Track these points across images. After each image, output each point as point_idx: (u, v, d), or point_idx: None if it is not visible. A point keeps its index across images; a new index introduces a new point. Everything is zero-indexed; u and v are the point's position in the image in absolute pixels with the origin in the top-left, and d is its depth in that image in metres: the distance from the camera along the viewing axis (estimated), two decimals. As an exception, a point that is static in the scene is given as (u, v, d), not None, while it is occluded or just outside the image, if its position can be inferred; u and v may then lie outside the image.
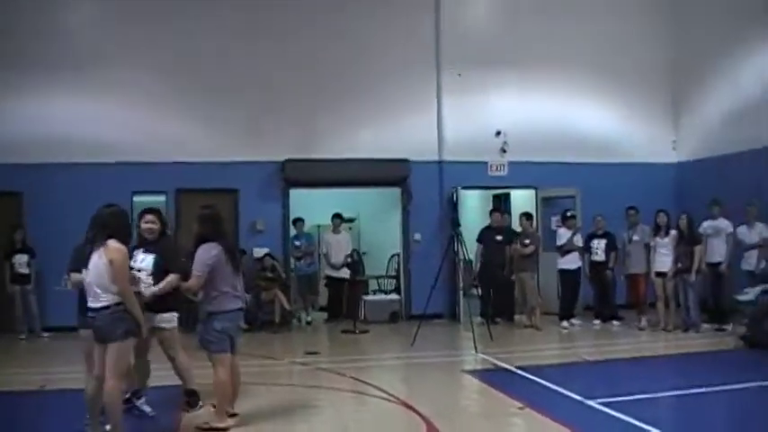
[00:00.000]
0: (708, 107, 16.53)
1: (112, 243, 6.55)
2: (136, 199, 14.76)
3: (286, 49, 15.81)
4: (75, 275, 7.14)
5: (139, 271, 7.39)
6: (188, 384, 8.00)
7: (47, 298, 14.39)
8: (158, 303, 7.55)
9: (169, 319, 7.80)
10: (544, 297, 14.94)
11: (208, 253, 7.27)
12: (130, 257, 7.08)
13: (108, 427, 6.59)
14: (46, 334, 14.14)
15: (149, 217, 7.96)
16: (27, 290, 14.26)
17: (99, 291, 6.47)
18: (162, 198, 15.15)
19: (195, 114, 15.51)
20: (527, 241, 14.61)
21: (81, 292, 7.21)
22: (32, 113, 14.84)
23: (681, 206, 15.17)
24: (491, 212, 15.61)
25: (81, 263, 7.04)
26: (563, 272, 14.56)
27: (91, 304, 6.53)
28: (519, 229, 15.19)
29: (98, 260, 6.49)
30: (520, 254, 14.61)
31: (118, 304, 6.48)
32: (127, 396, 7.51)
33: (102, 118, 15.06)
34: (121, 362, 6.59)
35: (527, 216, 15.07)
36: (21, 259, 14.25)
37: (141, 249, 7.71)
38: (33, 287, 14.31)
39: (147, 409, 7.77)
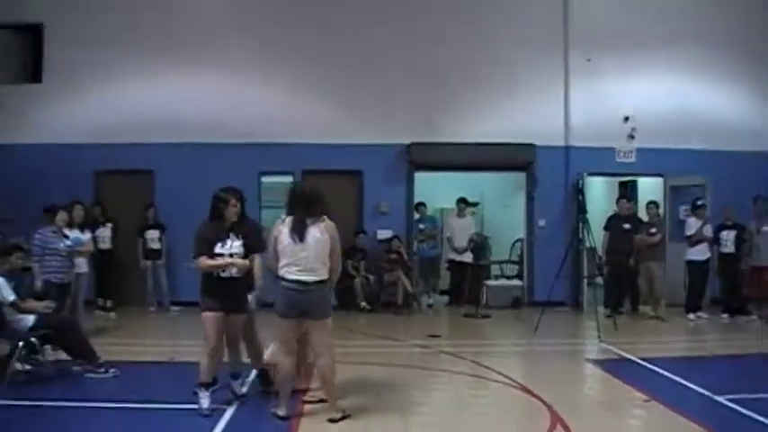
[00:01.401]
0: None
1: (329, 220, 6.98)
2: (263, 179, 15.20)
3: (413, 31, 15.81)
4: (203, 260, 7.22)
5: (231, 256, 7.30)
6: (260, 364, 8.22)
7: (175, 273, 14.90)
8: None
9: (251, 300, 7.88)
10: (670, 288, 14.55)
11: None
12: (220, 242, 7.29)
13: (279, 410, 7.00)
14: (174, 308, 14.61)
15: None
16: (158, 265, 14.79)
17: (319, 265, 6.85)
18: (289, 179, 15.42)
19: (322, 96, 15.71)
20: (653, 230, 14.28)
21: (208, 277, 7.31)
22: (163, 95, 15.40)
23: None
24: (618, 200, 15.29)
25: (209, 246, 7.20)
26: (691, 263, 14.15)
27: (306, 277, 6.82)
28: (645, 218, 14.89)
29: (320, 236, 6.86)
30: (646, 243, 14.30)
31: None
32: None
33: (229, 99, 15.41)
34: (329, 335, 7.09)
35: (654, 204, 14.74)
36: (153, 235, 14.78)
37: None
38: (164, 262, 14.83)
39: (242, 390, 7.84)
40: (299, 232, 6.83)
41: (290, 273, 6.85)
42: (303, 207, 6.94)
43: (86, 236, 11.51)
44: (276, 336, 7.21)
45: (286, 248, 6.87)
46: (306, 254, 6.81)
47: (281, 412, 7.00)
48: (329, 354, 7.03)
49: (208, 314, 7.22)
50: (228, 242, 7.25)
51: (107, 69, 15.36)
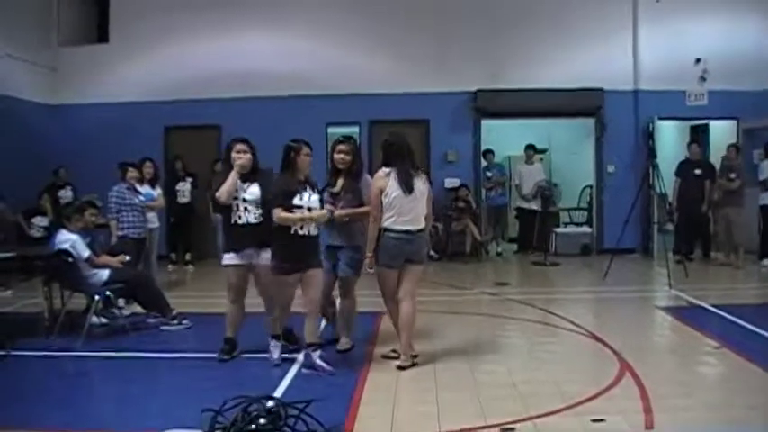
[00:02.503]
0: None
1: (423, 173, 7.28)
2: (330, 130, 15.24)
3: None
4: (280, 212, 6.83)
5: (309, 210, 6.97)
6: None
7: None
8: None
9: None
10: (744, 234, 14.26)
11: None
12: (297, 195, 6.98)
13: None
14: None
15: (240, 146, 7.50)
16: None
17: (421, 215, 7.14)
18: (356, 129, 15.47)
19: (386, 46, 15.71)
20: (733, 175, 13.86)
21: (284, 234, 6.92)
22: (228, 50, 15.54)
23: None
24: (689, 145, 14.98)
25: (288, 198, 6.91)
26: (765, 208, 13.81)
27: (412, 227, 7.06)
28: (718, 164, 14.57)
29: (423, 186, 7.14)
30: (726, 188, 13.93)
31: None
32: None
33: (295, 52, 15.57)
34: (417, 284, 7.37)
35: (736, 148, 14.33)
36: (222, 189, 14.96)
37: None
38: (234, 216, 15.02)
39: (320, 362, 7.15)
40: (407, 184, 6.98)
41: (398, 223, 6.99)
42: (408, 159, 7.12)
43: (157, 191, 11.68)
44: (381, 287, 7.26)
45: (395, 200, 6.97)
46: (413, 204, 7.01)
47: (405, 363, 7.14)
48: (414, 301, 7.18)
49: (283, 277, 7.02)
50: (306, 195, 6.99)
51: (173, 27, 15.64)
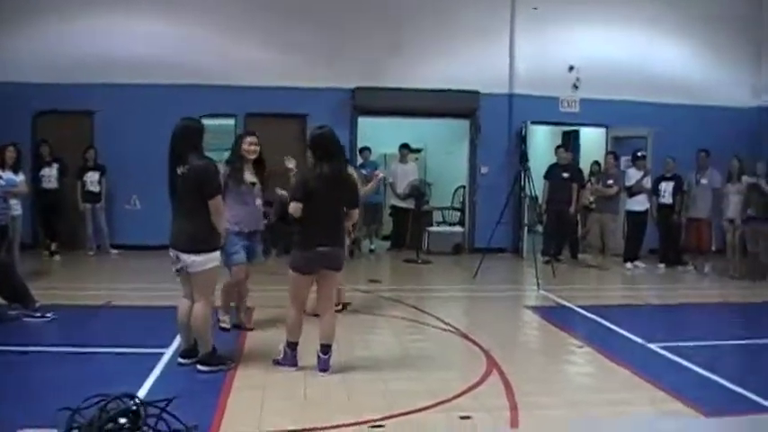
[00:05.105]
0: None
1: None
2: (206, 122, 14.92)
3: (359, -26, 15.71)
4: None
5: None
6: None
7: (115, 216, 14.81)
8: None
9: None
10: (615, 239, 14.78)
11: None
12: None
13: None
14: (114, 251, 14.53)
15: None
16: (97, 207, 14.57)
17: None
18: (231, 121, 15.26)
19: (267, 39, 15.48)
20: (610, 182, 14.27)
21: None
22: (102, 33, 14.89)
23: (759, 153, 14.77)
24: (557, 149, 15.41)
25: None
26: (630, 213, 14.32)
27: None
28: (586, 169, 15.05)
29: None
30: (602, 194, 14.37)
31: None
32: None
33: (172, 39, 15.12)
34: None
35: (614, 156, 14.76)
36: (92, 177, 14.53)
37: None
38: (103, 205, 14.64)
39: None
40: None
41: None
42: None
43: (20, 177, 11.28)
44: None
45: None
46: None
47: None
48: None
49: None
50: None
51: (45, 7, 14.96)
